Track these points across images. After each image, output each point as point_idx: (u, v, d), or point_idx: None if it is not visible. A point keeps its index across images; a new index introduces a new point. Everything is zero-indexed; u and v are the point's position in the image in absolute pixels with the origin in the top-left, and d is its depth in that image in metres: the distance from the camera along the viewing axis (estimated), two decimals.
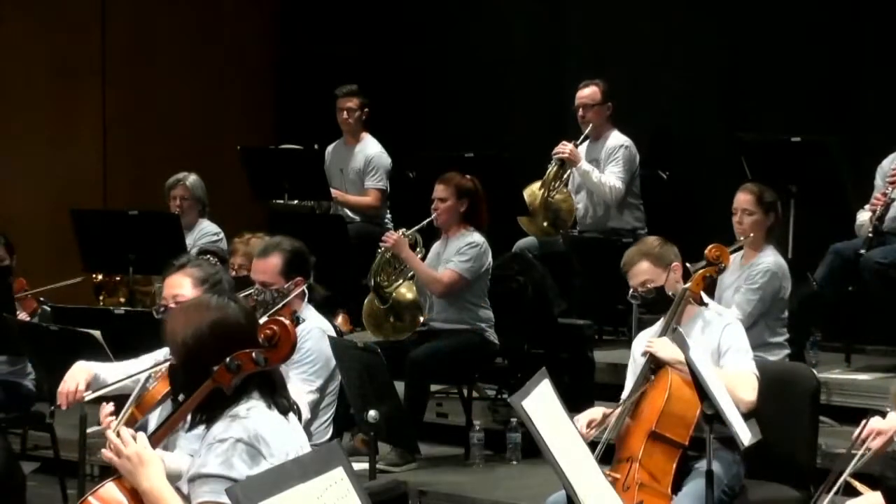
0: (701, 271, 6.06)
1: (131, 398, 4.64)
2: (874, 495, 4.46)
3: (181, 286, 5.19)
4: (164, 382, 4.56)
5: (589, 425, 5.72)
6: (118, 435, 3.88)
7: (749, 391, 5.69)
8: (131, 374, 5.12)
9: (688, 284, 5.97)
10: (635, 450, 5.65)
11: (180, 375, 3.88)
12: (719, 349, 5.86)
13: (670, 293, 5.99)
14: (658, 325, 6.07)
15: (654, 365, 5.80)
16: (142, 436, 3.87)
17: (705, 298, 6.13)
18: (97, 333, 6.25)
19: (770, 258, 7.31)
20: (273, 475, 3.43)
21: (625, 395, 6.06)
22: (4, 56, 11.13)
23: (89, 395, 5.18)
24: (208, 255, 5.76)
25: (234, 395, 3.83)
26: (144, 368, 5.02)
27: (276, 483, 3.24)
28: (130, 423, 4.54)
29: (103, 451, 3.89)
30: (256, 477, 3.57)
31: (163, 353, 5.05)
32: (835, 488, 4.54)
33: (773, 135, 8.54)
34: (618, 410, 5.80)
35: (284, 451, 3.79)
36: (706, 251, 6.17)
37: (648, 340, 5.91)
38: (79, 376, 5.26)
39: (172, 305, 5.10)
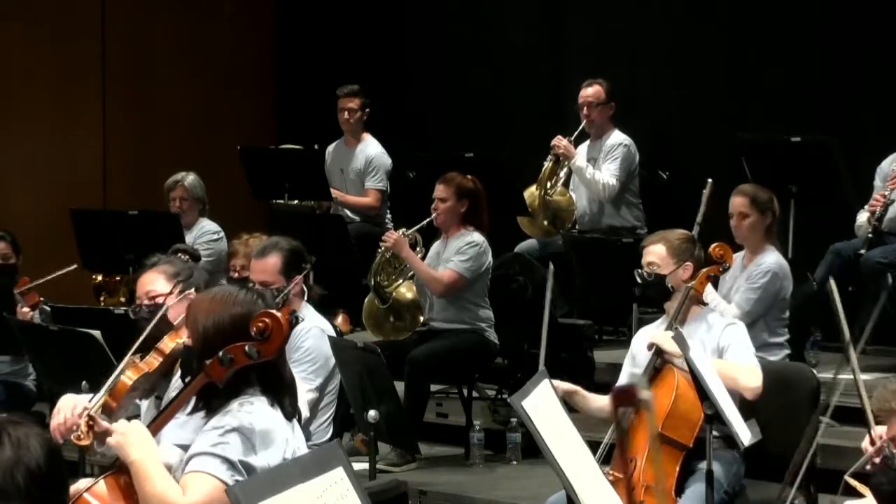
0: (705, 270, 6.03)
1: (105, 386, 4.66)
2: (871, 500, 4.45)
3: (154, 282, 5.15)
4: (135, 370, 4.58)
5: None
6: (91, 421, 3.92)
7: (752, 377, 5.67)
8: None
9: (692, 283, 5.96)
10: (639, 450, 5.63)
11: (194, 361, 3.88)
12: (719, 347, 5.84)
13: (670, 286, 5.97)
14: (659, 322, 6.06)
15: (660, 361, 5.77)
16: (136, 421, 3.90)
17: (708, 297, 6.11)
18: (97, 333, 6.25)
19: (772, 258, 7.30)
20: (273, 475, 3.44)
21: None
22: (5, 56, 11.13)
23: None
24: (179, 253, 5.77)
25: (235, 389, 3.83)
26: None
27: (276, 483, 3.24)
28: (105, 410, 4.59)
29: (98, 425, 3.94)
30: (256, 477, 3.58)
31: None
32: (796, 483, 4.54)
33: (773, 135, 8.54)
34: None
35: (282, 449, 3.80)
36: (710, 249, 6.15)
37: (652, 334, 5.88)
38: (64, 408, 5.32)
39: (147, 303, 5.09)
